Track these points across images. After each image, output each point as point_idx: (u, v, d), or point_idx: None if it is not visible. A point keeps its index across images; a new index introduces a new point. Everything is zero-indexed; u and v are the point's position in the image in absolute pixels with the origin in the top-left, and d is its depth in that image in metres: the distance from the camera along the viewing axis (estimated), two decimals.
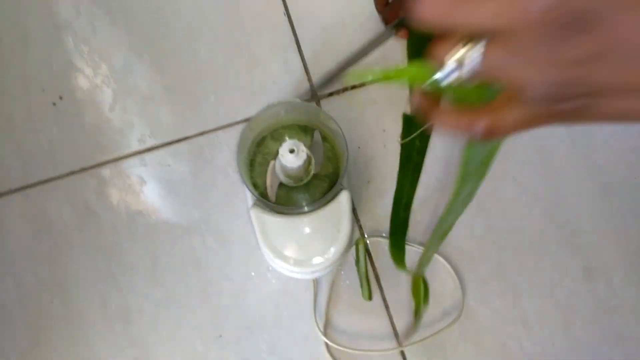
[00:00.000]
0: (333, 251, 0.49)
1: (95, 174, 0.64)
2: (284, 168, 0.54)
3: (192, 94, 0.66)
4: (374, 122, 0.66)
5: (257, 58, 0.67)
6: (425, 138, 0.48)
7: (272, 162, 0.57)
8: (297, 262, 0.49)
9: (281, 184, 0.57)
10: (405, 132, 0.47)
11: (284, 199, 0.57)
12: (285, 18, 0.69)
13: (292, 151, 0.50)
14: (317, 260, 0.49)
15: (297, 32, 0.68)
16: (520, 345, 0.61)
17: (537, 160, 0.66)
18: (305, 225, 0.49)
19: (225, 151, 0.65)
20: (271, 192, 0.57)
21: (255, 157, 0.59)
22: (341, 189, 0.53)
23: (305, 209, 0.51)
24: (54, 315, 0.61)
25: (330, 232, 0.49)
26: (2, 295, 0.61)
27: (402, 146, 0.48)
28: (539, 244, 0.64)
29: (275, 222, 0.50)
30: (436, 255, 0.62)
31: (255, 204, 0.54)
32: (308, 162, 0.54)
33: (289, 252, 0.49)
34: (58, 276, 0.62)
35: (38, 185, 0.63)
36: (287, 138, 0.57)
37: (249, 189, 0.51)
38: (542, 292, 0.63)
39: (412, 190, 0.51)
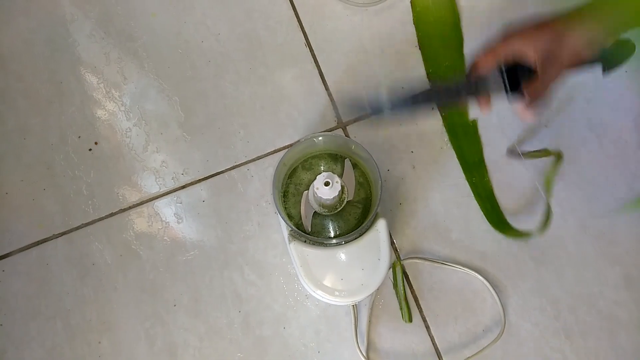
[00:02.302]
0: (374, 280, 0.49)
1: (134, 214, 0.66)
2: (318, 199, 0.55)
3: (222, 130, 0.68)
4: (401, 144, 0.67)
5: (282, 90, 0.69)
6: None
7: (305, 193, 0.59)
8: (339, 293, 0.50)
9: (315, 213, 0.58)
10: None
11: (319, 227, 0.58)
12: (307, 49, 0.70)
13: (327, 184, 0.51)
14: (359, 290, 0.50)
15: (318, 61, 0.70)
16: (565, 358, 0.61)
17: (569, 171, 0.66)
18: (345, 255, 0.50)
19: (257, 183, 0.67)
20: (306, 222, 0.58)
21: (288, 188, 0.60)
22: (377, 217, 0.53)
23: (343, 240, 0.52)
24: (102, 354, 0.63)
25: (370, 261, 0.50)
26: (52, 337, 0.63)
27: None
28: (577, 256, 0.64)
29: (315, 255, 0.51)
30: (474, 273, 0.62)
31: (292, 237, 0.55)
32: (342, 191, 0.55)
33: (330, 283, 0.50)
34: (104, 316, 0.64)
35: (80, 228, 0.66)
36: (322, 168, 0.59)
37: (287, 224, 0.52)
38: (584, 303, 0.62)
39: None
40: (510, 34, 0.50)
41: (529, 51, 0.48)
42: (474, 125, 0.67)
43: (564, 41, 0.48)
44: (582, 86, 0.68)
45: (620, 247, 0.64)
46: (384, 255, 0.50)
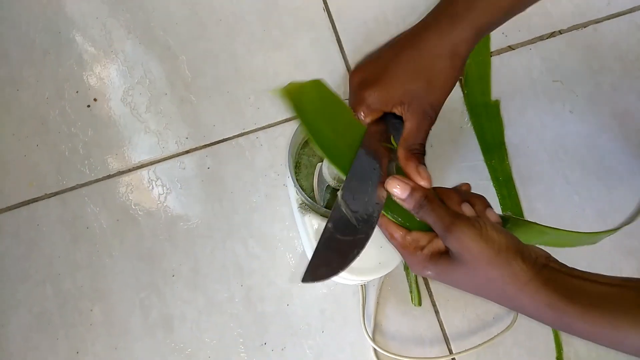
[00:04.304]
0: (392, 259, 0.47)
1: (133, 177, 0.62)
2: (334, 172, 0.52)
3: (231, 94, 0.64)
4: None
5: (297, 56, 0.65)
6: None
7: (319, 165, 0.55)
8: (356, 271, 0.47)
9: (328, 186, 0.55)
10: None
11: (331, 201, 0.55)
12: (325, 14, 0.66)
13: None
14: (376, 268, 0.47)
15: (337, 27, 0.66)
16: (575, 350, 0.59)
17: (589, 159, 0.64)
18: None
19: (266, 153, 0.63)
20: (319, 196, 0.55)
21: (301, 159, 0.56)
22: None
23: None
24: (93, 323, 0.59)
25: None
26: (41, 302, 0.59)
27: None
28: (592, 246, 0.62)
29: None
30: None
31: (304, 210, 0.52)
32: None
33: None
34: (97, 283, 0.60)
35: (74, 189, 0.62)
36: None
37: (302, 195, 0.49)
38: None
39: None
40: (362, 87, 0.41)
41: (395, 107, 0.40)
42: (496, 105, 0.64)
43: (434, 73, 0.39)
44: (609, 72, 0.66)
45: (636, 240, 0.62)
46: None
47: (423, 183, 0.39)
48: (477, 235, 0.34)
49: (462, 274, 0.36)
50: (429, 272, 0.37)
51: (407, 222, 0.39)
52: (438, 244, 0.37)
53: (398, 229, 0.39)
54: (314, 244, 0.49)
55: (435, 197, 0.38)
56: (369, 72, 0.42)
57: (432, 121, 0.40)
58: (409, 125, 0.40)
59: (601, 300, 0.34)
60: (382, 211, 0.39)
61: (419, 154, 0.40)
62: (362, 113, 0.42)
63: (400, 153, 0.40)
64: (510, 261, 0.34)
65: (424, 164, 0.40)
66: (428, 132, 0.40)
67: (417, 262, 0.38)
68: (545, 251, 0.37)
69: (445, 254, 0.36)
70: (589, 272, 0.35)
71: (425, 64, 0.40)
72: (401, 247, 0.39)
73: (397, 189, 0.38)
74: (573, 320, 0.34)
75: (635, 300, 0.33)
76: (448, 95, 0.41)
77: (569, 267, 0.36)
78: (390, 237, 0.39)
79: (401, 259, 0.49)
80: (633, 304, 0.33)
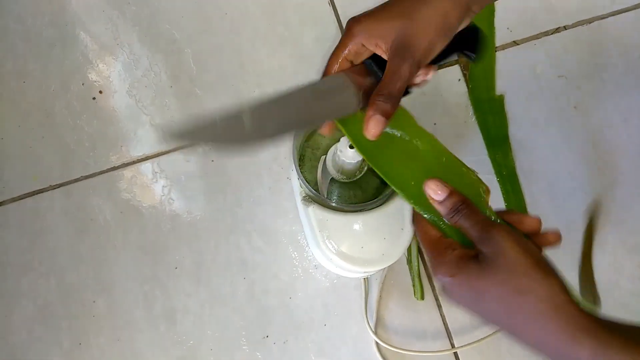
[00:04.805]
0: (396, 250, 0.47)
1: (137, 169, 0.62)
2: (338, 164, 0.52)
3: (235, 88, 0.64)
4: (423, 115, 0.64)
5: (302, 51, 0.65)
6: None
7: (322, 157, 0.56)
8: (358, 262, 0.47)
9: (332, 180, 0.56)
10: None
11: (334, 194, 0.55)
12: (330, 8, 0.67)
13: (352, 147, 0.47)
14: (380, 259, 0.47)
15: (342, 23, 0.66)
16: None
17: (592, 155, 0.64)
18: (366, 223, 0.47)
19: (270, 146, 0.63)
20: (322, 188, 0.55)
21: (304, 152, 0.57)
22: None
23: (364, 206, 0.49)
24: (96, 315, 0.59)
25: (393, 230, 0.47)
26: (45, 295, 0.59)
27: None
28: (596, 243, 0.62)
29: (336, 220, 0.48)
30: None
31: (308, 202, 0.52)
32: None
33: (349, 251, 0.47)
34: (101, 275, 0.60)
35: (79, 181, 0.62)
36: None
37: (307, 187, 0.49)
38: (600, 291, 0.60)
39: None
40: (354, 21, 0.38)
41: (377, 42, 0.37)
42: (500, 100, 0.64)
43: (421, 13, 0.35)
44: (614, 68, 0.66)
45: (639, 237, 0.62)
46: (408, 225, 0.47)
47: (367, 134, 0.36)
48: (514, 242, 0.32)
49: (490, 281, 0.33)
50: (452, 278, 0.34)
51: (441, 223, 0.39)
52: (468, 250, 0.35)
53: (434, 228, 0.38)
54: (317, 237, 0.49)
55: (472, 203, 0.36)
56: (367, 11, 0.39)
57: (410, 66, 0.35)
58: (387, 68, 0.36)
59: None
60: (421, 211, 0.39)
61: (385, 103, 0.35)
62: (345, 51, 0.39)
63: (371, 97, 0.37)
64: (549, 276, 0.31)
65: (384, 117, 0.35)
66: (405, 80, 0.35)
67: (444, 263, 0.35)
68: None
69: (475, 258, 0.34)
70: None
71: (422, 1, 0.36)
72: (432, 246, 0.37)
73: (434, 191, 0.37)
74: (614, 353, 0.29)
75: None
76: (435, 41, 0.36)
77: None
78: (424, 234, 0.38)
79: (404, 251, 0.49)
80: None
